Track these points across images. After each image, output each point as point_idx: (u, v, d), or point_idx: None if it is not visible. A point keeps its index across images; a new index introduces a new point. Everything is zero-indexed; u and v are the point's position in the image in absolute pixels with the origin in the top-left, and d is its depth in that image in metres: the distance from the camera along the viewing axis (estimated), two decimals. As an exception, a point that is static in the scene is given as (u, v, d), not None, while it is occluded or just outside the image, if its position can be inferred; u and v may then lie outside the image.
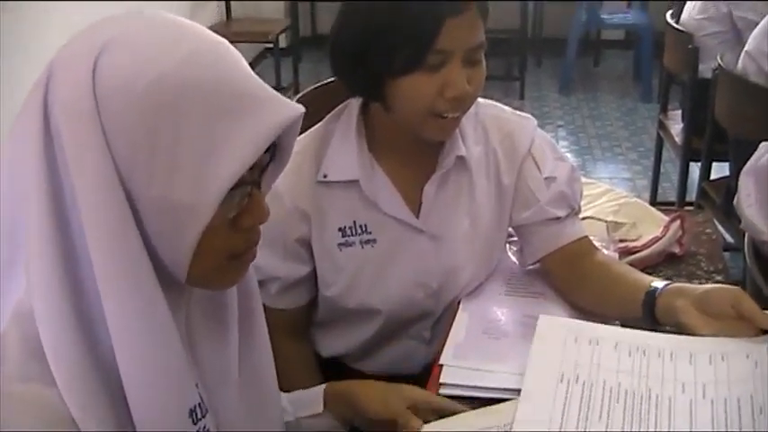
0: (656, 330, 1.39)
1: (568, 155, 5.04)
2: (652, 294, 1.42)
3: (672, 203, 3.90)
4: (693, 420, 1.16)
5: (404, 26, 1.36)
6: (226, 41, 0.92)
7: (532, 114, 1.67)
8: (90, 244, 0.84)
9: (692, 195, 3.63)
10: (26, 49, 3.31)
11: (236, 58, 0.91)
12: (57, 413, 0.85)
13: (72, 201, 0.85)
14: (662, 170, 4.34)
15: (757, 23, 3.06)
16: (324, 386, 1.36)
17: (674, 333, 1.36)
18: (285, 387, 1.28)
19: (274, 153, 0.97)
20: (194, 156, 0.85)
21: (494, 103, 1.66)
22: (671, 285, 1.43)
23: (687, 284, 1.44)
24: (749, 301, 1.31)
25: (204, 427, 0.97)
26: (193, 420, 0.94)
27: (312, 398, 1.34)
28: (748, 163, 1.74)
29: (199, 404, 0.96)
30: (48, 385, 0.85)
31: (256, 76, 0.91)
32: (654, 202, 4.18)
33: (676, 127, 3.87)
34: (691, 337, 1.32)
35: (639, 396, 1.21)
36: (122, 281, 0.85)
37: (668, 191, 4.44)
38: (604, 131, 5.53)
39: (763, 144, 1.71)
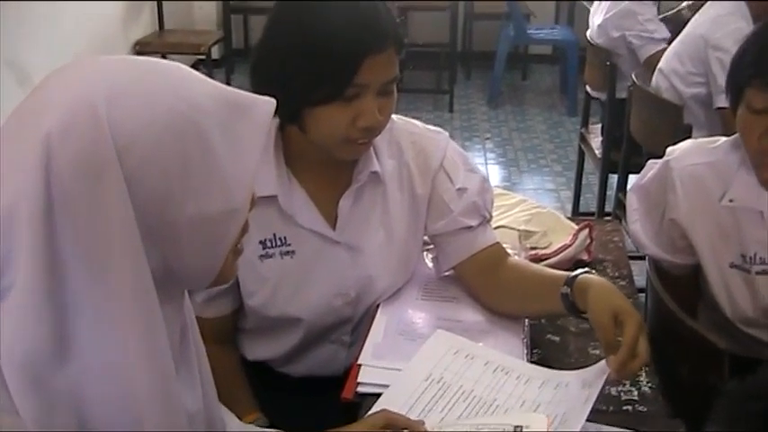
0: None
1: (495, 166, 5.21)
2: (572, 278, 1.52)
3: (593, 214, 4.04)
4: None
5: (325, 61, 1.42)
6: (179, 64, 1.00)
7: (461, 126, 1.77)
8: (91, 291, 0.88)
9: (612, 206, 3.77)
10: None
11: (200, 74, 1.00)
12: None
13: (72, 256, 0.87)
14: (585, 182, 4.48)
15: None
16: None
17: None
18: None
19: None
20: (222, 164, 0.94)
21: (407, 119, 1.73)
22: (587, 274, 1.53)
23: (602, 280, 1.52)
24: (631, 326, 1.39)
25: None
26: None
27: None
28: (635, 180, 1.85)
29: None
30: (16, 415, 0.88)
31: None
32: (576, 212, 4.33)
33: (596, 140, 4.02)
34: (552, 371, 1.50)
35: (483, 402, 1.42)
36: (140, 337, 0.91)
37: (591, 201, 4.57)
38: (531, 144, 5.67)
39: (650, 162, 1.82)
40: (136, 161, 0.88)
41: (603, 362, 1.40)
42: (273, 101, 1.02)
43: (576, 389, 1.41)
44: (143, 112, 0.90)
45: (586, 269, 1.56)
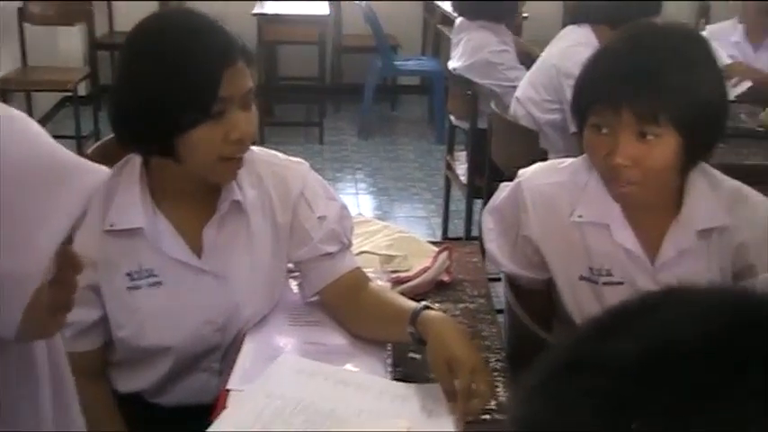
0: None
1: (367, 196, 5.29)
2: (415, 316, 1.61)
3: (461, 238, 4.17)
4: None
5: (188, 81, 1.49)
6: (22, 114, 1.00)
7: (332, 158, 1.83)
8: None
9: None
10: None
11: (37, 130, 0.99)
12: None
13: None
14: (454, 208, 4.61)
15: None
16: None
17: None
18: (87, 427, 1.33)
19: None
20: (16, 228, 0.93)
21: (268, 150, 1.80)
22: (432, 311, 1.63)
23: (445, 320, 1.63)
24: (463, 378, 1.50)
25: None
26: None
27: None
28: (489, 203, 1.95)
29: None
30: None
31: (59, 145, 1.00)
32: (445, 238, 4.45)
33: (462, 167, 4.15)
34: (386, 381, 1.62)
35: (322, 413, 1.49)
36: None
37: (460, 227, 4.70)
38: (401, 173, 5.80)
39: (503, 185, 1.92)
40: None
41: (438, 386, 1.53)
42: (106, 170, 1.02)
43: (415, 404, 1.53)
44: None
45: (425, 303, 1.66)
